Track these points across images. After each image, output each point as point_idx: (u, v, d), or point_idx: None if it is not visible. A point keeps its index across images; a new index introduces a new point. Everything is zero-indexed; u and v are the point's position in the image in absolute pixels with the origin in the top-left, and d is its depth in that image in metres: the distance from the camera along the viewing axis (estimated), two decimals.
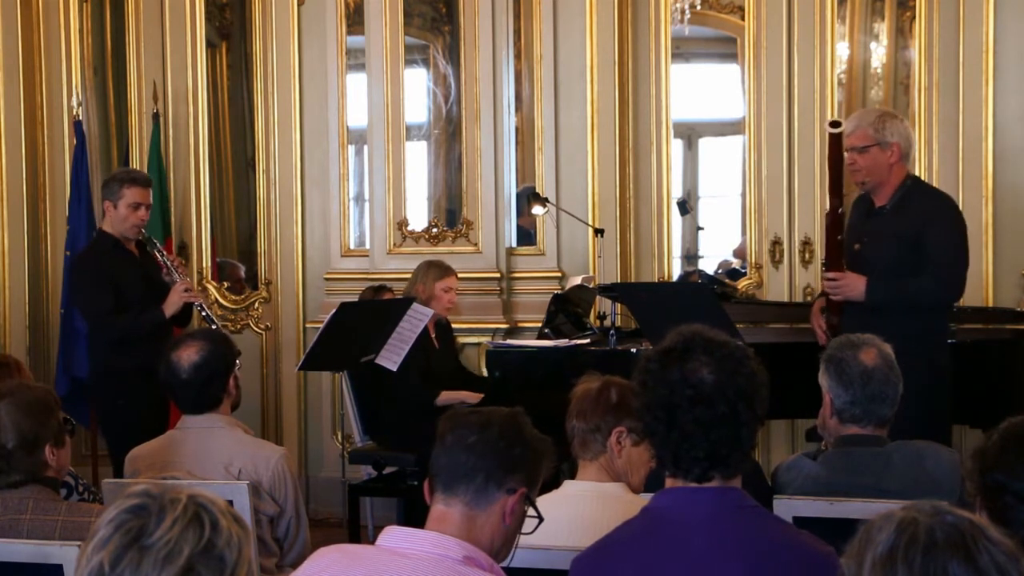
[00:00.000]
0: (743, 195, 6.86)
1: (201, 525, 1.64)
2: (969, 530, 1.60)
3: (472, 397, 5.81)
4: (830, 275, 4.77)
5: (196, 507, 1.65)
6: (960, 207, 6.28)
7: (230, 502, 3.36)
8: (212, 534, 1.64)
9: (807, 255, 6.54)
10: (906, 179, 4.73)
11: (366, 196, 6.97)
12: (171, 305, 5.39)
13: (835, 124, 4.79)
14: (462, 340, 6.62)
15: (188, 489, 1.69)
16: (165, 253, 5.57)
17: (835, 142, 4.75)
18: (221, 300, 7.21)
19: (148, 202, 5.52)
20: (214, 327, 5.52)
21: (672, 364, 2.28)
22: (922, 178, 6.33)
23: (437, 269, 6.07)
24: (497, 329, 6.63)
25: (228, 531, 1.66)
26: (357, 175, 7.09)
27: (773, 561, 2.22)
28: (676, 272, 7.00)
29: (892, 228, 4.69)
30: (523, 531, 2.41)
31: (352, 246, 7.03)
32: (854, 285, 4.69)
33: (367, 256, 6.89)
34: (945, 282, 4.63)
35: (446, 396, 5.90)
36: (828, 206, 4.75)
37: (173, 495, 1.66)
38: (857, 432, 3.30)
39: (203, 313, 5.61)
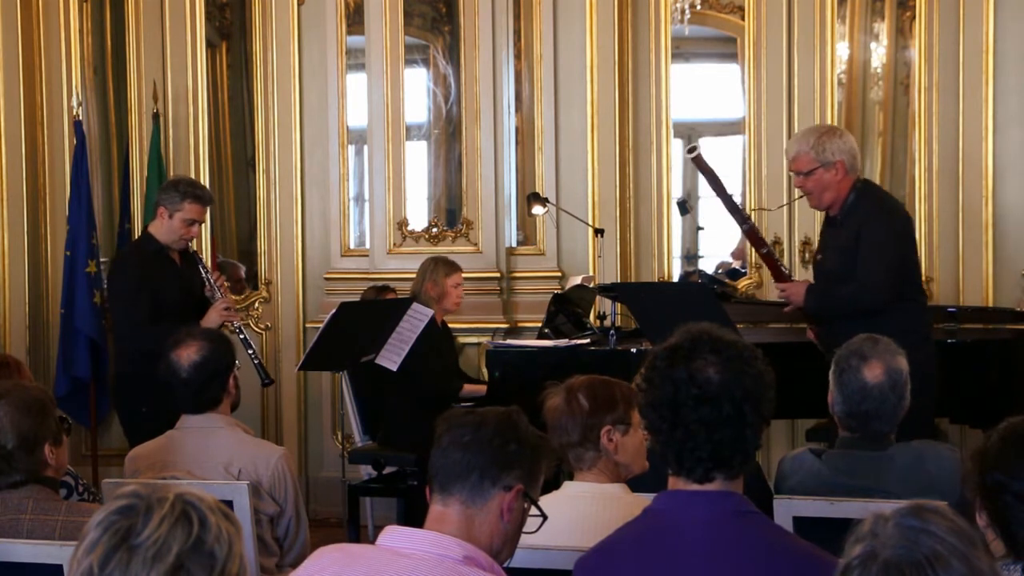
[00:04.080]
0: (743, 195, 6.86)
1: (189, 522, 1.64)
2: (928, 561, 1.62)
3: None
4: (777, 287, 4.93)
5: (184, 505, 1.65)
6: (959, 207, 6.35)
7: (230, 502, 3.38)
8: (201, 531, 1.64)
9: (807, 255, 6.54)
10: (854, 186, 4.72)
11: (366, 196, 6.97)
12: (209, 322, 5.30)
13: (691, 150, 4.97)
14: (462, 340, 6.62)
15: (177, 487, 1.69)
16: (208, 270, 5.51)
17: (698, 165, 4.91)
18: None
19: (203, 220, 5.49)
20: (250, 352, 5.46)
21: (679, 362, 2.26)
22: (917, 179, 6.37)
23: (445, 265, 6.06)
24: (497, 329, 6.63)
25: (217, 527, 1.66)
26: (357, 175, 7.09)
27: (770, 567, 2.22)
28: (676, 272, 7.00)
29: (838, 240, 4.74)
30: (526, 530, 2.41)
31: (352, 246, 7.03)
32: (797, 293, 4.80)
33: (367, 256, 6.89)
34: (866, 286, 4.62)
35: (468, 388, 5.97)
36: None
37: (161, 494, 1.66)
38: (855, 437, 3.30)
39: (241, 336, 5.48)
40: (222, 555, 1.65)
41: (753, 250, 6.76)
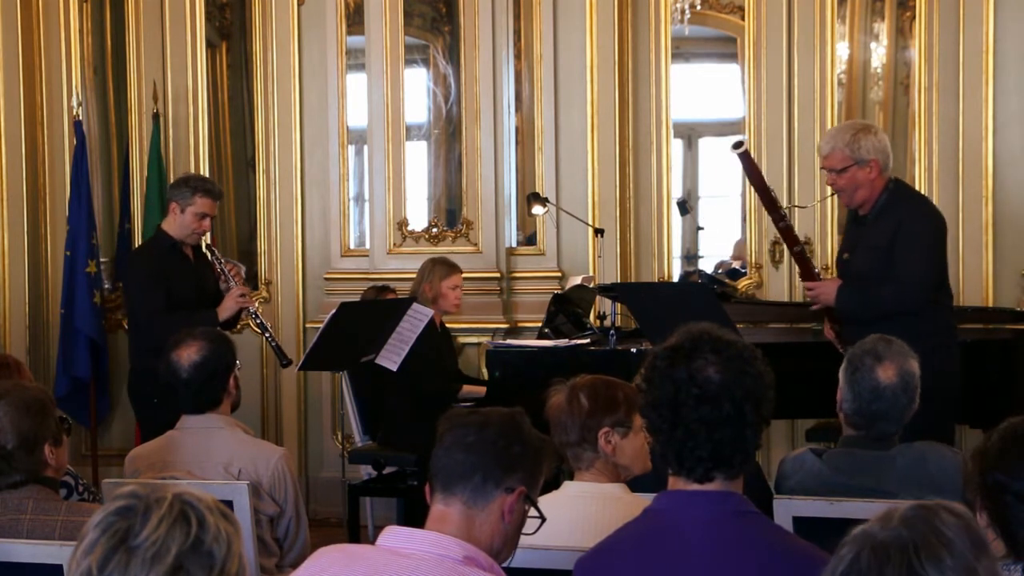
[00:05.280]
0: (743, 195, 6.86)
1: (188, 523, 1.64)
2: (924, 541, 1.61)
3: None
4: (806, 286, 4.88)
5: (182, 505, 1.65)
6: (959, 207, 6.35)
7: (230, 502, 3.38)
8: (199, 531, 1.64)
9: (807, 255, 6.53)
10: (887, 185, 4.70)
11: (366, 196, 6.97)
12: (226, 310, 5.39)
13: (738, 144, 4.90)
14: (462, 340, 6.62)
15: (175, 487, 1.69)
16: (222, 261, 5.56)
17: (745, 161, 4.84)
18: None
19: (215, 213, 5.55)
20: (267, 335, 5.62)
21: (679, 362, 2.27)
22: (917, 179, 6.37)
23: (443, 267, 6.05)
24: (497, 329, 6.63)
25: (216, 527, 1.66)
26: (357, 175, 7.08)
27: (771, 567, 2.21)
28: (676, 272, 7.00)
29: (870, 239, 4.71)
30: (525, 531, 2.41)
31: (352, 246, 7.03)
32: (828, 292, 4.75)
33: (367, 256, 6.89)
34: (909, 286, 4.60)
35: (467, 389, 5.97)
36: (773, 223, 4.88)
37: (159, 494, 1.66)
38: (859, 435, 3.30)
39: (257, 320, 5.63)
40: (221, 555, 1.65)
41: (755, 251, 6.78)
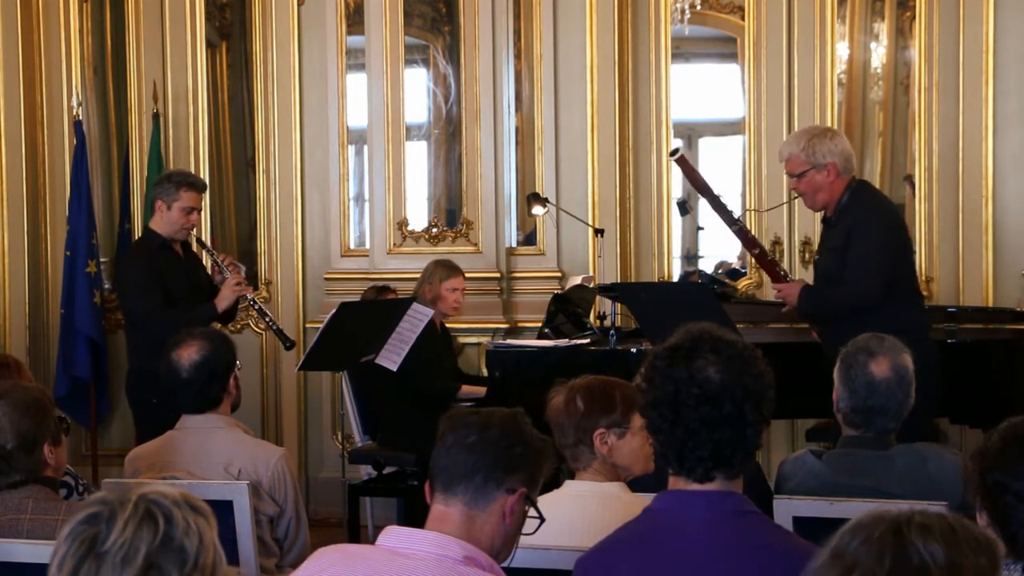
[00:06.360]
0: (743, 195, 6.86)
1: (154, 521, 1.63)
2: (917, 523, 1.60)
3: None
4: (775, 287, 4.99)
5: (147, 504, 1.65)
6: (959, 207, 6.36)
7: (230, 502, 3.38)
8: (167, 528, 1.64)
9: (807, 255, 6.53)
10: (849, 186, 4.74)
11: (366, 196, 6.97)
12: (223, 299, 5.40)
13: (674, 152, 5.06)
14: (462, 340, 6.62)
15: (141, 488, 1.68)
16: (215, 252, 5.57)
17: (684, 167, 4.99)
18: None
19: (200, 207, 5.56)
20: (267, 318, 5.67)
21: (679, 362, 2.27)
22: (917, 179, 6.37)
23: (444, 269, 6.06)
24: (497, 329, 6.63)
25: (185, 521, 1.65)
26: (357, 175, 7.08)
27: (770, 567, 2.21)
28: (676, 272, 7.00)
29: (832, 240, 4.77)
30: (524, 531, 2.41)
31: (352, 246, 7.03)
32: (792, 294, 4.85)
33: (367, 256, 6.89)
34: (855, 288, 4.65)
35: (466, 389, 5.96)
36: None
37: (124, 497, 1.65)
38: (858, 435, 3.30)
39: (256, 306, 5.69)
40: (193, 548, 1.64)
41: None
